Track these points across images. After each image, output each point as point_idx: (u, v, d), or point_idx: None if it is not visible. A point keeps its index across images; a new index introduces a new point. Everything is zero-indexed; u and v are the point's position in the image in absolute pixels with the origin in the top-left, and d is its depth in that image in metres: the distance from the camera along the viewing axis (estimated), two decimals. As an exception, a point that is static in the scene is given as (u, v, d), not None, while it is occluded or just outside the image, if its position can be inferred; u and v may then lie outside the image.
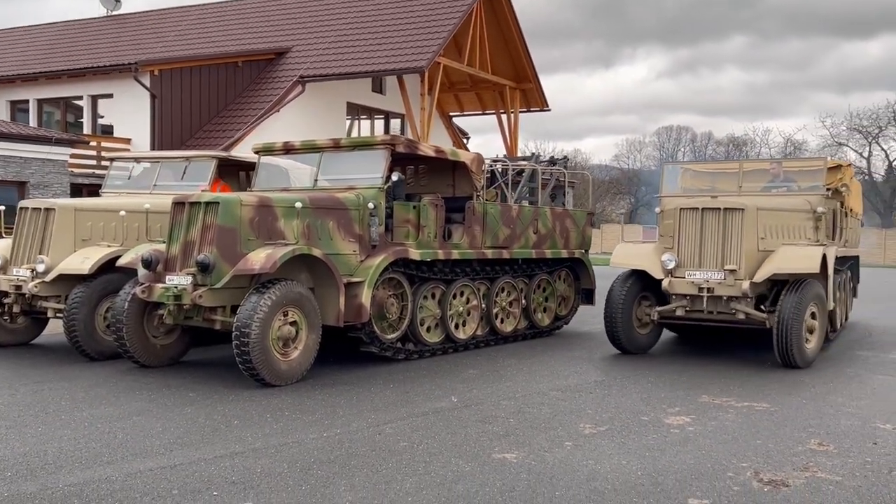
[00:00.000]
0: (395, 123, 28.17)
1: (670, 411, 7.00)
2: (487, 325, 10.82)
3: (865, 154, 59.47)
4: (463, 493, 4.78)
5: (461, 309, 10.31)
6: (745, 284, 8.99)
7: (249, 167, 11.66)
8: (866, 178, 56.71)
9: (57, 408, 6.88)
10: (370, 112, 27.10)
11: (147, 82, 20.51)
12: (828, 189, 10.61)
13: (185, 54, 23.21)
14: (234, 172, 11.90)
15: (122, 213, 9.69)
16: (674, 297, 9.53)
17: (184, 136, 21.42)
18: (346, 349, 9.73)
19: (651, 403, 7.31)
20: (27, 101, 23.67)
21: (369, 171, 9.34)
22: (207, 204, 8.21)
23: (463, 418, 6.66)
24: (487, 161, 12.22)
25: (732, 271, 9.08)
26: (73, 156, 19.11)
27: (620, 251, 10.16)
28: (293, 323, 8.01)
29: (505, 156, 22.69)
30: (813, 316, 9.27)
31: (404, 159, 10.75)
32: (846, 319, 12.97)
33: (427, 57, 21.84)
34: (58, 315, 9.60)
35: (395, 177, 9.17)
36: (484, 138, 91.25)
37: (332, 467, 5.24)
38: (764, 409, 7.12)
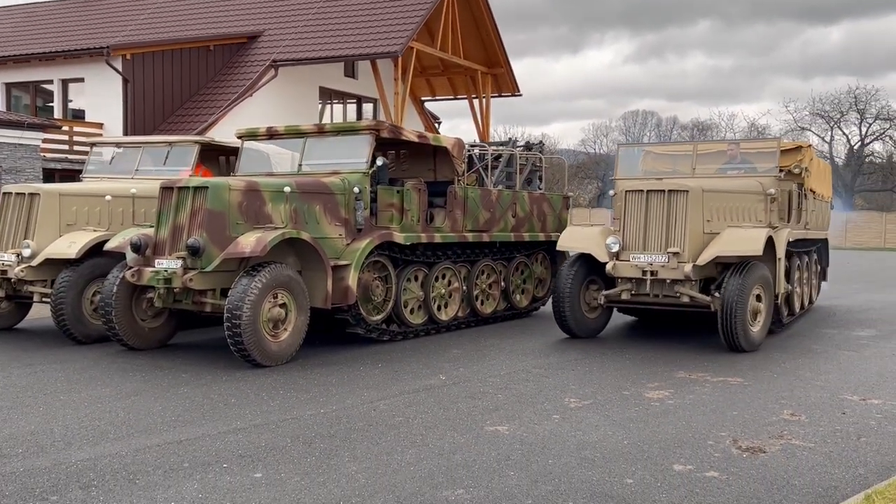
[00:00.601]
0: (368, 108, 28.25)
1: (649, 386, 7.31)
2: (468, 306, 11.07)
3: (827, 139, 60.64)
4: (462, 462, 5.03)
5: (443, 291, 10.55)
6: (688, 267, 8.85)
7: (230, 152, 11.76)
8: (828, 162, 57.88)
9: (54, 389, 7.01)
10: (342, 96, 27.16)
11: (119, 66, 20.38)
12: (781, 170, 10.54)
13: (157, 38, 23.06)
14: (214, 157, 11.98)
15: (108, 197, 9.77)
16: (619, 280, 9.41)
17: (156, 120, 21.34)
18: (330, 331, 9.93)
19: (630, 379, 7.62)
20: (-5, 85, 23.42)
21: (354, 156, 9.51)
22: (196, 189, 8.33)
23: (452, 395, 6.91)
24: (466, 146, 12.42)
25: (676, 254, 8.94)
26: (45, 140, 18.96)
27: (567, 235, 10.05)
28: (282, 305, 8.18)
29: (482, 141, 22.90)
30: (758, 299, 9.18)
31: (385, 144, 10.92)
32: (811, 302, 12.98)
33: (401, 42, 21.95)
34: (44, 299, 9.67)
35: (379, 161, 9.36)
36: (452, 122, 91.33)
37: (334, 441, 5.47)
38: (738, 384, 7.46)
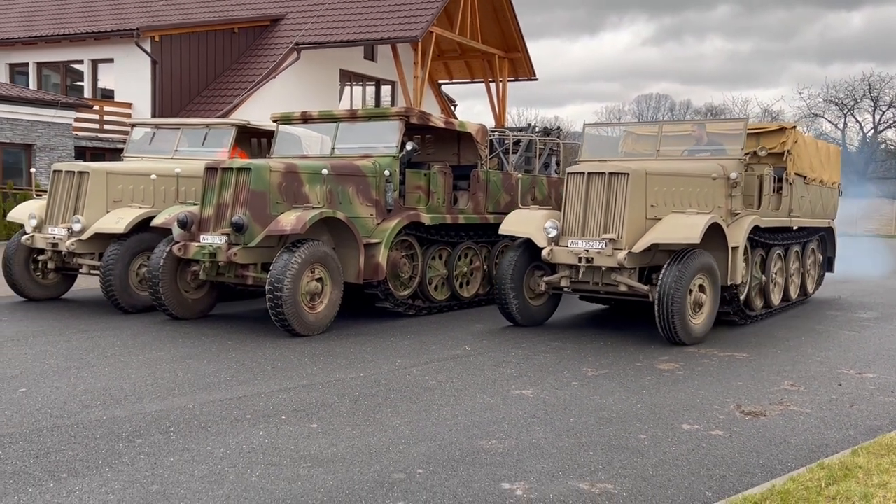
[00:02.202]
0: (386, 90, 28.76)
1: (661, 359, 7.89)
2: (488, 284, 11.64)
3: (841, 126, 60.73)
4: (492, 419, 5.64)
5: (465, 269, 11.13)
6: (622, 255, 8.37)
7: (261, 134, 12.33)
8: (841, 149, 58.01)
9: (113, 352, 7.64)
10: (362, 79, 27.66)
11: (148, 48, 20.96)
12: (747, 154, 9.91)
13: (184, 21, 23.60)
14: (247, 139, 12.54)
15: (153, 176, 10.37)
16: (559, 267, 9.05)
17: (183, 101, 21.94)
18: (357, 306, 10.52)
19: (643, 353, 8.20)
20: (26, 65, 24.03)
21: (384, 141, 10.07)
22: (239, 170, 8.92)
23: (479, 363, 7.51)
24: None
25: (612, 240, 8.50)
26: (76, 119, 19.59)
27: (511, 218, 9.54)
28: (319, 279, 8.79)
29: (500, 125, 23.43)
30: (702, 289, 8.69)
31: (411, 129, 11.46)
32: (805, 294, 12.41)
33: (421, 27, 22.43)
34: (92, 271, 10.31)
35: (409, 146, 9.92)
36: (465, 104, 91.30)
37: (376, 399, 6.08)
38: (743, 358, 8.04)
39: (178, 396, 6.04)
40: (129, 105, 21.61)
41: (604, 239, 8.55)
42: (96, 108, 21.10)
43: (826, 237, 13.26)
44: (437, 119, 10.74)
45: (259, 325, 9.22)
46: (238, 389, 6.28)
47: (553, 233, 8.84)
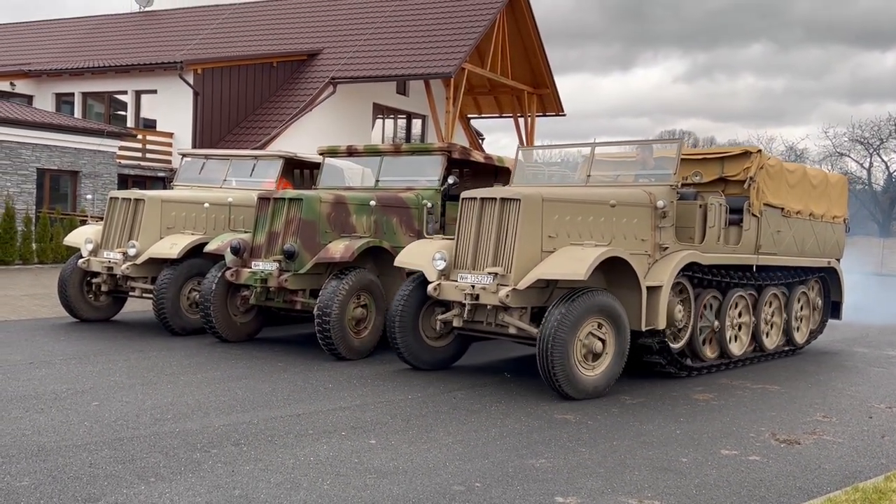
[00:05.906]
0: (416, 123, 29.37)
1: (696, 389, 8.17)
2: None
3: (866, 165, 60.71)
4: (539, 440, 5.96)
5: (501, 299, 11.45)
6: (503, 292, 7.36)
7: (305, 165, 12.81)
8: (866, 188, 57.96)
9: (171, 371, 8.04)
10: (394, 112, 28.29)
11: (191, 80, 21.67)
12: (684, 181, 8.83)
13: (223, 54, 24.38)
14: (290, 170, 13.03)
15: (206, 205, 10.84)
16: (452, 303, 8.04)
17: (222, 131, 22.60)
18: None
19: (678, 384, 8.47)
20: (72, 94, 24.86)
21: (427, 174, 10.50)
22: (291, 200, 9.37)
23: (519, 389, 7.82)
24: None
25: (499, 275, 7.52)
26: (120, 148, 20.26)
27: (407, 250, 8.70)
28: (364, 306, 9.17)
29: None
30: (599, 335, 7.50)
31: (452, 163, 11.87)
32: (791, 346, 10.76)
33: (455, 63, 23.02)
34: (144, 295, 10.76)
35: (450, 179, 10.34)
36: (492, 137, 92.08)
37: (427, 419, 6.42)
38: (776, 391, 8.29)
39: (241, 412, 6.41)
40: (170, 135, 22.32)
41: (490, 273, 7.59)
42: (139, 137, 21.80)
43: (828, 279, 11.58)
44: (478, 154, 11.16)
45: (304, 349, 9.60)
46: (296, 407, 6.64)
47: (441, 265, 7.96)
